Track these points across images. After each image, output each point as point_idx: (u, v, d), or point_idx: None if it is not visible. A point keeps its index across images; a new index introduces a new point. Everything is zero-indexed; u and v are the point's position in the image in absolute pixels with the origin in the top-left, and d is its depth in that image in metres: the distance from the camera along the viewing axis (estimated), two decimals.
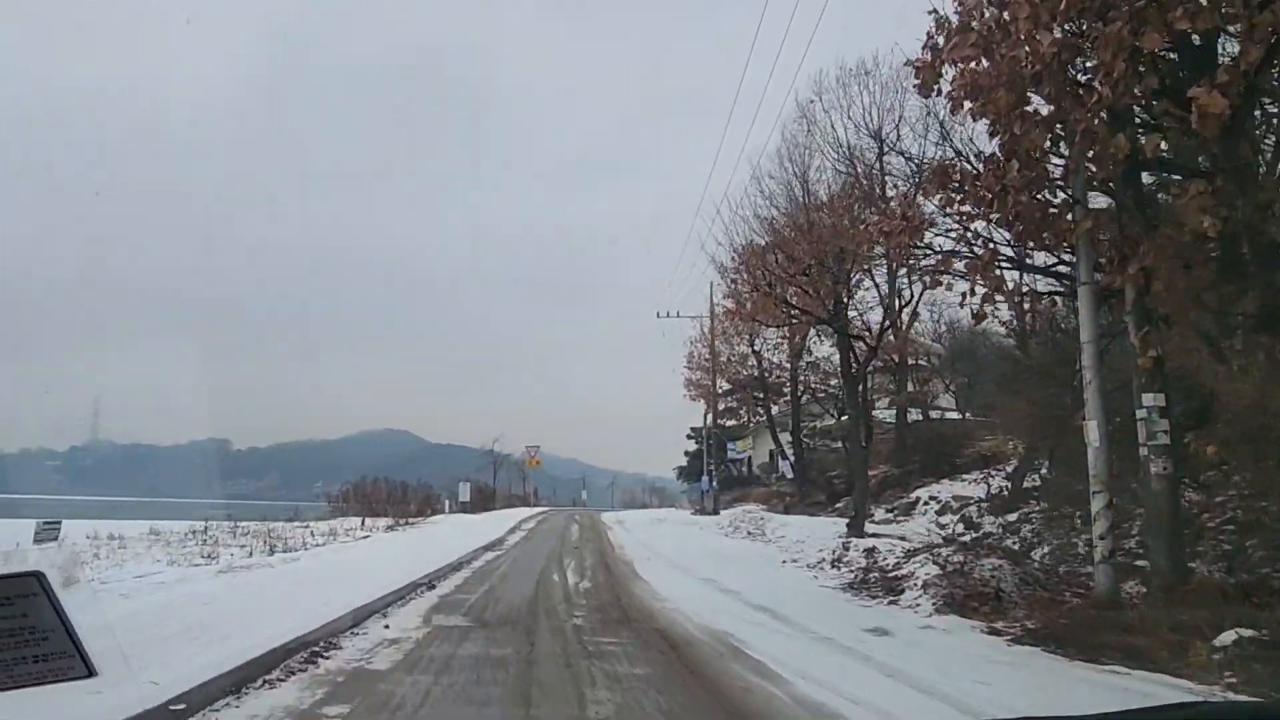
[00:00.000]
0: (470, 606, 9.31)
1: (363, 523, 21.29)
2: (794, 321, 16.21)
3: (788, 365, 26.96)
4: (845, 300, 15.11)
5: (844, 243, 13.99)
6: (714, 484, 35.62)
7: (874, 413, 29.19)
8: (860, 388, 16.08)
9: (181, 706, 4.34)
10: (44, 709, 1.54)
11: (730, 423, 42.82)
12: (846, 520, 20.44)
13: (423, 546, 15.78)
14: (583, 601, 9.90)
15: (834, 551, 14.10)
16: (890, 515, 20.49)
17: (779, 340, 27.15)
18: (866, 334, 16.32)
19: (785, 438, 32.97)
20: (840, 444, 32.57)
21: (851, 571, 11.84)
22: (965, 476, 20.65)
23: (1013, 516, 15.45)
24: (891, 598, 9.48)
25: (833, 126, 15.42)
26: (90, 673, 1.28)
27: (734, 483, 56.48)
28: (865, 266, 14.74)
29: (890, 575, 10.48)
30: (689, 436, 55.84)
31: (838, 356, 27.37)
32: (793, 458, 27.15)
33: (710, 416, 32.67)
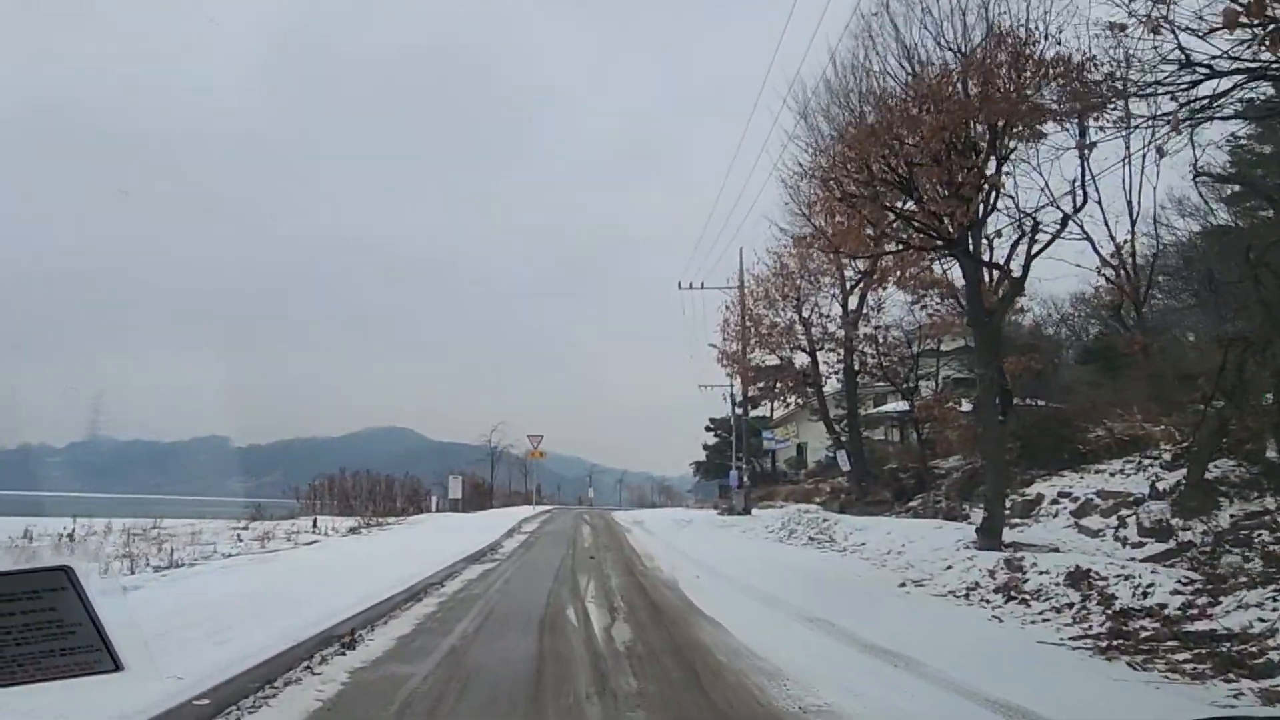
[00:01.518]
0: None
1: (315, 524, 16.64)
2: (900, 247, 11.49)
3: (840, 332, 22.27)
4: (988, 204, 10.41)
5: (997, 111, 9.35)
6: (744, 479, 30.97)
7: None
8: (995, 337, 11.38)
9: None
10: None
11: (756, 411, 38.20)
12: (942, 520, 15.91)
13: (376, 561, 11.14)
14: (629, 683, 5.20)
15: (980, 571, 9.45)
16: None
17: (834, 296, 22.54)
18: (996, 267, 11.63)
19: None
20: (896, 433, 27.92)
21: (1060, 610, 7.17)
22: (1098, 467, 15.93)
23: (1223, 518, 10.81)
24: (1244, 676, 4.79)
25: None
26: (118, 667, 1.27)
27: (756, 479, 51.88)
28: (1027, 139, 10.04)
29: (1172, 622, 5.82)
30: (708, 428, 51.11)
31: (886, 332, 22.93)
32: (849, 447, 22.43)
33: (741, 389, 27.90)
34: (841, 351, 22.70)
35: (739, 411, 36.06)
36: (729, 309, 23.71)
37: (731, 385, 53.97)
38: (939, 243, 10.98)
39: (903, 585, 9.90)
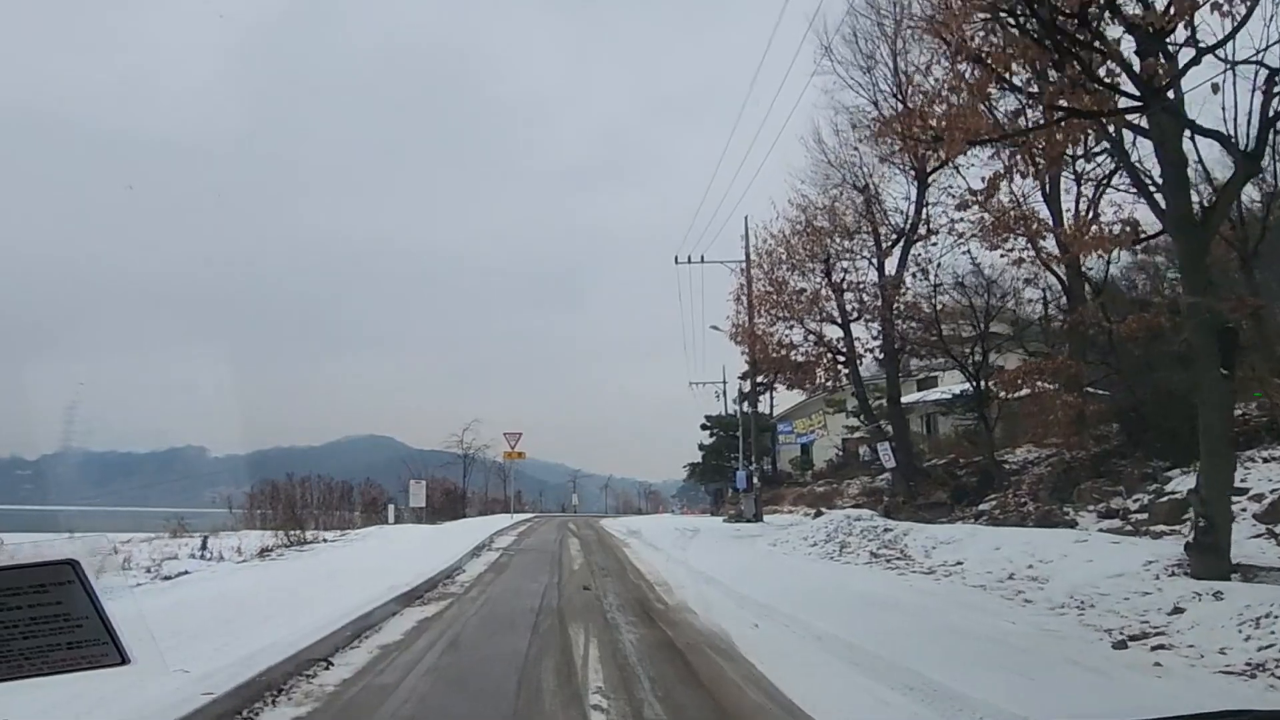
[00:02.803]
0: None
1: (204, 544, 12.31)
2: (1046, 120, 7.46)
3: (879, 301, 18.34)
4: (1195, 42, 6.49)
5: None
6: (756, 480, 26.97)
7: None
8: (1204, 250, 7.41)
9: None
10: None
11: (758, 406, 34.32)
12: (1032, 525, 11.87)
13: (240, 611, 6.91)
14: None
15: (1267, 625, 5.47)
16: (1129, 523, 11.91)
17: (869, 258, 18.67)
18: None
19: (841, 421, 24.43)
20: (922, 425, 23.76)
21: None
22: (1252, 457, 12.04)
23: None
24: None
25: None
26: (124, 660, 1.26)
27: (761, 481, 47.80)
28: None
29: None
30: (705, 426, 46.95)
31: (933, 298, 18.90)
32: (892, 440, 18.46)
33: (750, 370, 23.85)
34: (880, 324, 18.78)
35: (746, 408, 32.04)
36: (744, 271, 19.62)
37: (726, 384, 50.03)
38: (1126, 102, 7.00)
39: (1121, 646, 5.87)
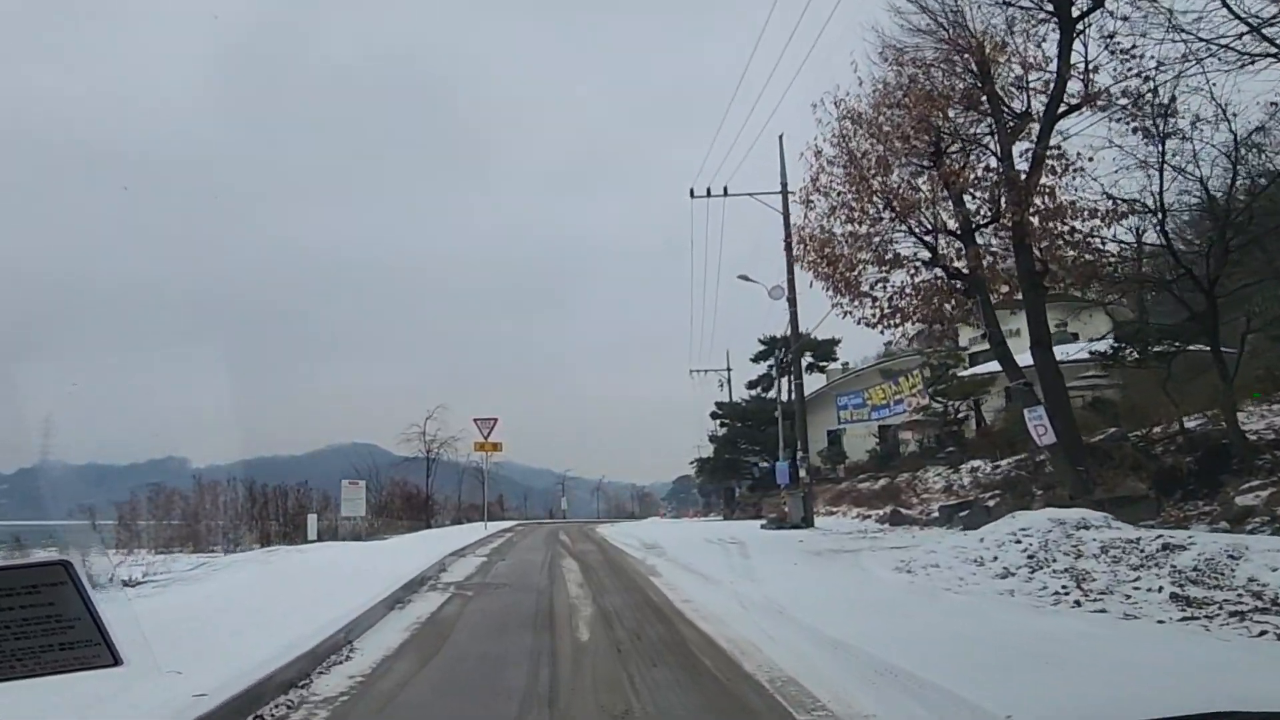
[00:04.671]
0: None
1: None
2: None
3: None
4: None
5: None
6: (804, 474, 20.82)
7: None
8: None
9: None
10: None
11: (796, 378, 28.09)
12: None
13: None
14: None
15: None
16: None
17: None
18: None
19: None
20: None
21: None
22: None
23: None
24: None
25: None
26: (116, 661, 1.26)
27: (760, 483, 41.30)
28: None
29: None
30: (715, 415, 40.66)
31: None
32: (1048, 403, 12.17)
33: (789, 304, 17.56)
34: (1011, 235, 12.57)
35: (761, 394, 25.75)
36: (818, 149, 13.23)
37: (730, 372, 43.66)
38: None
39: None
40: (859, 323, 13.46)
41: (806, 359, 31.72)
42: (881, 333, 14.27)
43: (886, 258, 12.39)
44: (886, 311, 12.78)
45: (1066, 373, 13.74)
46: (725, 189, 22.32)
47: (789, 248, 21.50)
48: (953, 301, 12.52)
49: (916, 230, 12.54)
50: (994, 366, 23.80)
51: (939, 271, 12.78)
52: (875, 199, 12.40)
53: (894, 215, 12.33)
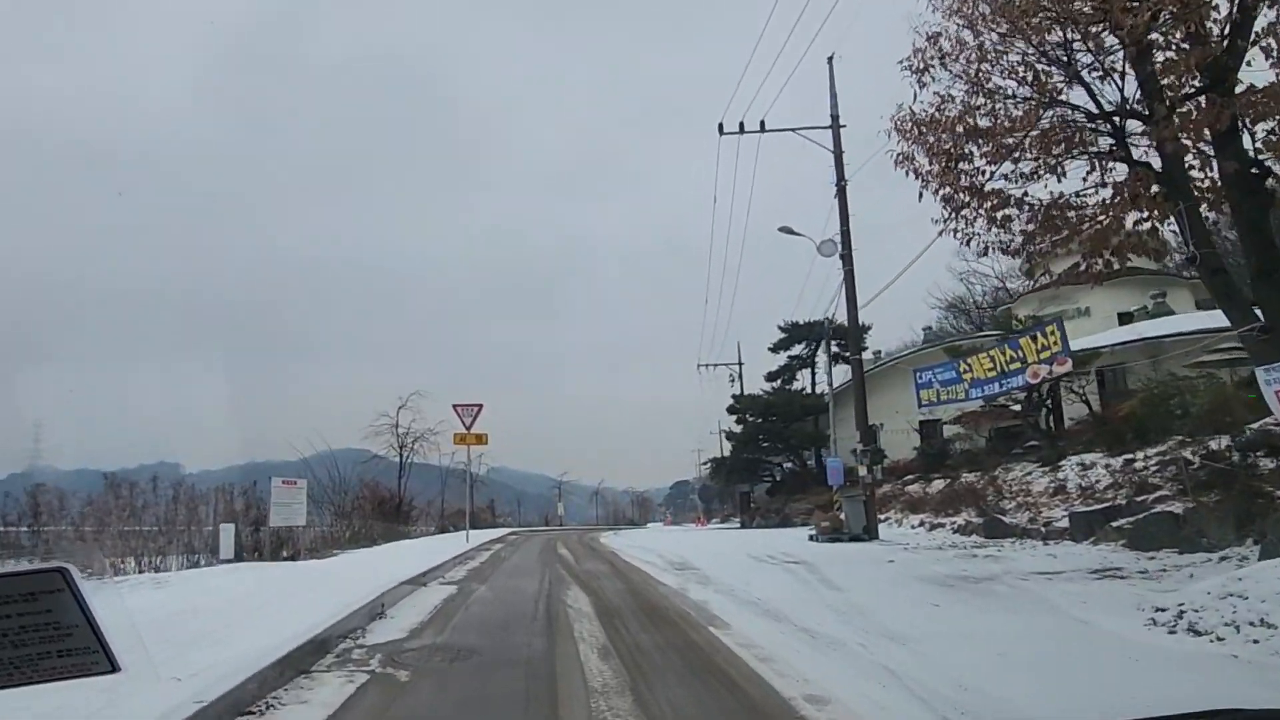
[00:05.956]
0: None
1: None
2: None
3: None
4: None
5: None
6: (866, 472, 16.76)
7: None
8: None
9: None
10: None
11: (855, 354, 24.18)
12: None
13: None
14: None
15: None
16: None
17: None
18: None
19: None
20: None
21: None
22: None
23: None
24: None
25: None
26: (115, 668, 1.22)
27: (781, 486, 36.97)
28: None
29: None
30: (731, 409, 36.21)
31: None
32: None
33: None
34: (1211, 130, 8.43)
35: (809, 374, 21.64)
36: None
37: (742, 365, 39.52)
38: None
39: None
40: (986, 251, 9.33)
41: (834, 348, 27.69)
42: (1027, 261, 10.11)
43: (1059, 139, 8.22)
44: (1041, 223, 8.66)
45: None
46: (762, 123, 18.19)
47: (841, 192, 17.45)
48: (1145, 211, 8.35)
49: (1085, 105, 8.39)
50: (1094, 340, 19.70)
51: (1119, 166, 8.66)
52: (1030, 46, 8.27)
53: (1064, 76, 8.18)
